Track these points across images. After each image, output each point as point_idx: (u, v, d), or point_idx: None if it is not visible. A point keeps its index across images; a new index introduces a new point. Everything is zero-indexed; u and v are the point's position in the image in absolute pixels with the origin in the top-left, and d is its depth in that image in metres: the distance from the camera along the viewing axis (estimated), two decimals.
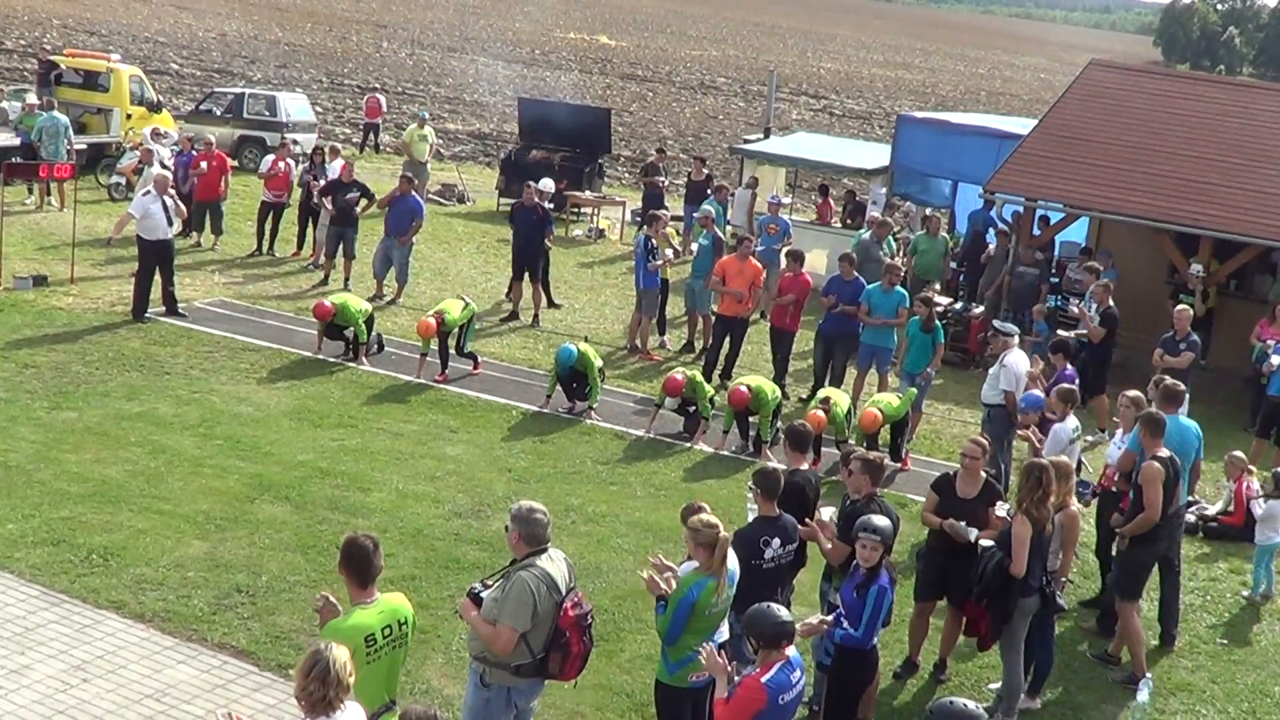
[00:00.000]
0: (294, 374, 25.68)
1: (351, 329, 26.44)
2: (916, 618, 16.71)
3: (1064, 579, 16.60)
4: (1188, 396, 20.32)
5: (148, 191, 28.77)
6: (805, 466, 15.95)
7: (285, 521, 18.94)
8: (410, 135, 40.00)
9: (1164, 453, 16.77)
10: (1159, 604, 18.50)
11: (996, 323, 24.05)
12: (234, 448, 21.56)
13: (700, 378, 23.84)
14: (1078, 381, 21.48)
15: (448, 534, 19.01)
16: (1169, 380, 18.64)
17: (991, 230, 34.70)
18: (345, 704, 9.38)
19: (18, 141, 39.06)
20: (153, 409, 22.96)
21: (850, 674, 13.78)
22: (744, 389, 22.94)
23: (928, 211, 35.93)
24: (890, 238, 32.48)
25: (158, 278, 28.16)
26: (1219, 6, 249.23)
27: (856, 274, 26.90)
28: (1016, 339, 22.58)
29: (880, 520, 13.74)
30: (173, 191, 28.91)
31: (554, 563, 11.75)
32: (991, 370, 22.12)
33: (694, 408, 24.00)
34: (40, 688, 14.61)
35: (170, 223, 28.16)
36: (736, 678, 11.35)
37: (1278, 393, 24.74)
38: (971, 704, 9.80)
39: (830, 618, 13.75)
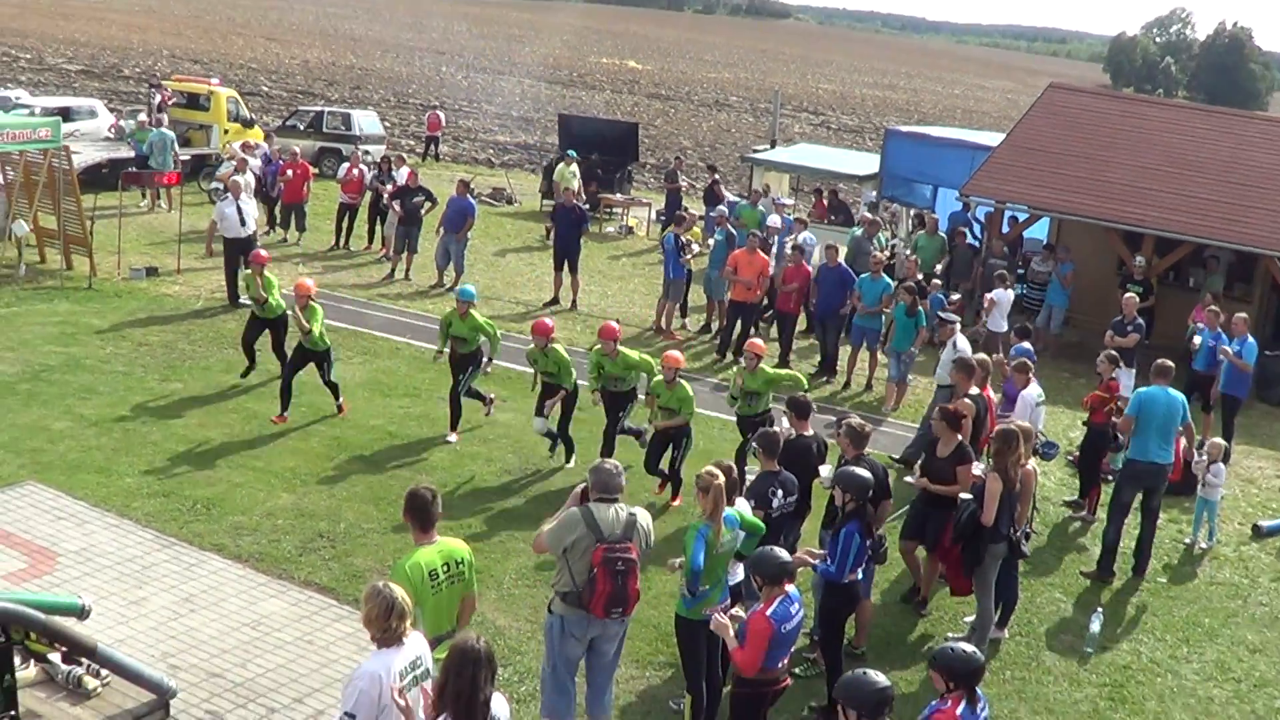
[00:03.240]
0: (367, 351, 25.78)
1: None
2: (905, 555, 16.87)
3: (1027, 529, 16.67)
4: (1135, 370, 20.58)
5: (225, 196, 28.96)
6: (810, 432, 16.05)
7: (360, 477, 19.06)
8: (560, 173, 39.69)
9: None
10: (1137, 541, 18.72)
11: (941, 312, 24.06)
12: (316, 414, 21.69)
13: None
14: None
15: (499, 488, 19.12)
16: (1161, 360, 18.86)
17: (977, 226, 34.77)
18: (410, 633, 9.49)
19: (132, 154, 39.27)
20: (247, 381, 23.10)
21: (832, 602, 13.96)
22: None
23: (924, 213, 35.93)
24: (879, 234, 32.51)
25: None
26: (1158, 39, 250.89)
27: (841, 262, 27.47)
28: (959, 325, 22.68)
29: (855, 473, 13.85)
30: (245, 196, 28.96)
31: (613, 511, 11.79)
32: (944, 355, 22.12)
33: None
34: (155, 616, 14.77)
35: (244, 222, 28.25)
36: (744, 615, 11.46)
37: (1200, 367, 24.94)
38: (970, 647, 9.93)
39: (818, 553, 13.95)
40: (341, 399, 22.14)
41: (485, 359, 21.70)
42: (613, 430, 20.33)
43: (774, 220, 32.47)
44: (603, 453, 19.55)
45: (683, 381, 19.06)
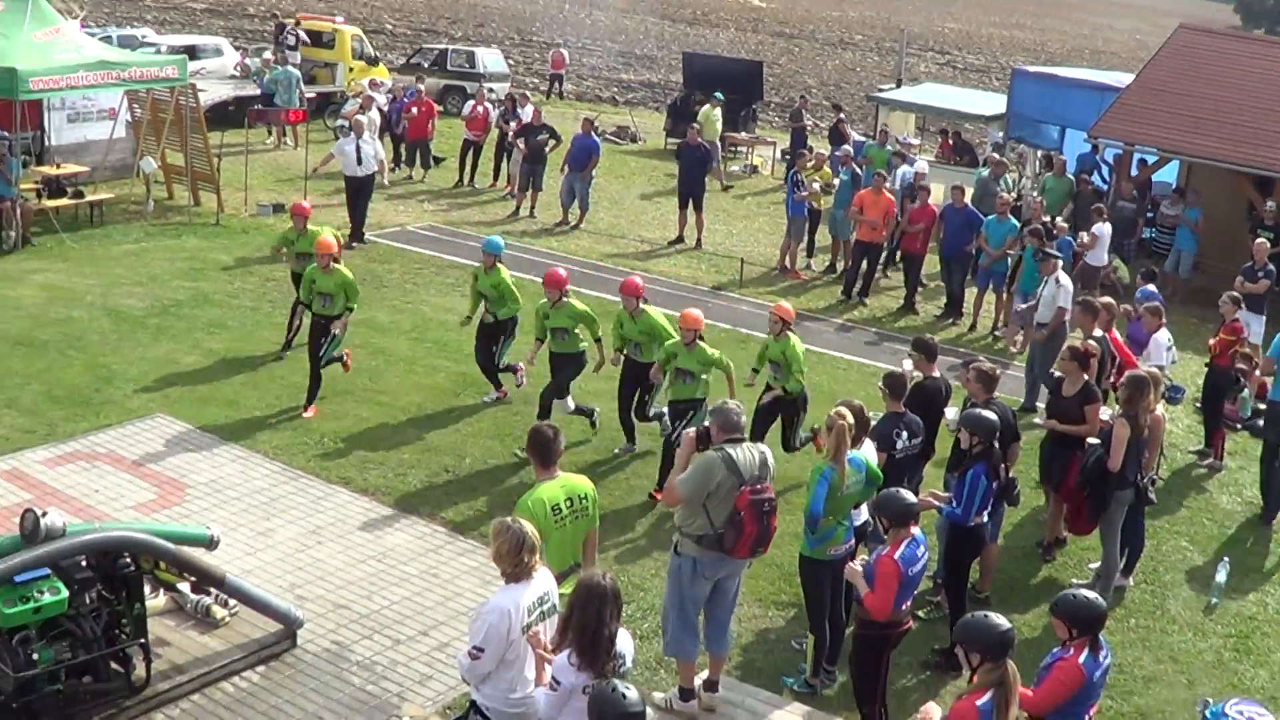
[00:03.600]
0: None
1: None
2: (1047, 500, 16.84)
3: (1154, 475, 16.47)
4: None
5: (347, 134, 29.14)
6: (936, 374, 15.92)
7: (485, 413, 19.18)
8: (705, 115, 39.41)
9: None
10: (1264, 486, 18.49)
11: (1043, 248, 23.61)
12: (441, 350, 21.83)
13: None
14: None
15: (616, 426, 19.12)
16: None
17: (1106, 169, 34.28)
18: (538, 569, 9.55)
19: (258, 91, 39.58)
20: (372, 316, 23.28)
21: (956, 546, 13.89)
22: None
23: (1052, 154, 35.45)
24: (1006, 176, 32.12)
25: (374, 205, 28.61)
26: None
27: (967, 203, 27.00)
28: (1060, 262, 22.30)
29: (982, 415, 13.71)
30: (367, 135, 29.04)
31: (744, 451, 11.73)
32: (1044, 291, 21.76)
33: None
34: (283, 548, 14.99)
35: (360, 161, 28.38)
36: (871, 559, 11.43)
37: None
38: (1093, 594, 9.86)
39: (944, 496, 13.88)
40: (312, 404, 19.22)
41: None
42: (627, 412, 18.52)
43: (922, 165, 32.10)
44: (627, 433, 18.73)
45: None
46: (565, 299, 18.21)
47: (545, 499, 10.86)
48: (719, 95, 40.64)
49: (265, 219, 29.87)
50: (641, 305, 18.02)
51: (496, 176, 35.73)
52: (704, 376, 17.06)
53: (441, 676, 12.79)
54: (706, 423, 12.27)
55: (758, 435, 16.72)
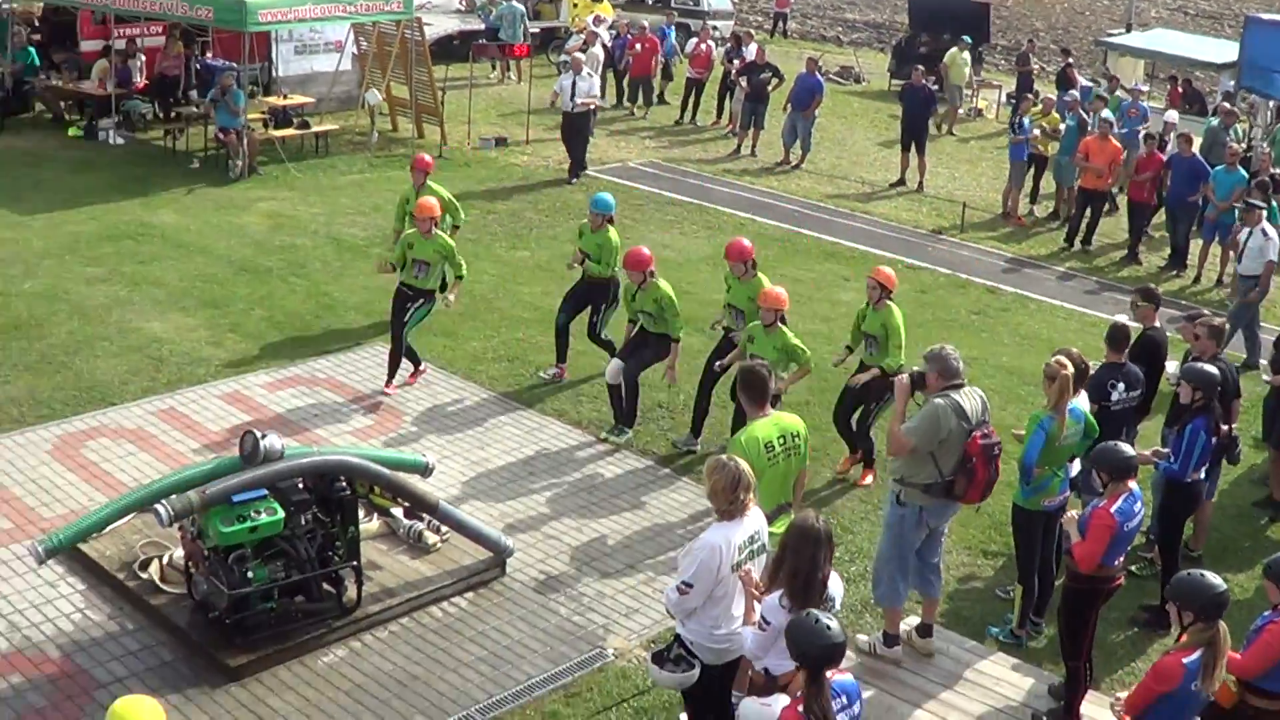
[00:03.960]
0: (710, 225, 25.79)
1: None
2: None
3: None
4: None
5: (567, 69, 29.15)
6: (1157, 324, 15.47)
7: (700, 350, 19.06)
8: (952, 59, 38.92)
9: None
10: None
11: (1248, 198, 22.66)
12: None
13: None
14: None
15: (838, 368, 18.92)
16: None
17: None
18: (750, 507, 9.48)
19: (483, 26, 39.84)
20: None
21: (1173, 502, 13.49)
22: None
23: None
24: (1236, 126, 31.16)
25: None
26: None
27: (1195, 153, 26.13)
28: (1265, 212, 21.44)
29: (1204, 369, 13.28)
30: (586, 71, 28.96)
31: (967, 396, 11.55)
32: (1252, 243, 20.93)
33: None
34: (495, 477, 15.13)
35: (573, 96, 28.35)
36: (1087, 511, 11.16)
37: None
38: None
39: (1163, 451, 13.50)
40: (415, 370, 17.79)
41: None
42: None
43: (1172, 116, 31.21)
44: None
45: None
46: (651, 279, 16.31)
47: (759, 436, 10.80)
48: (968, 39, 39.88)
49: (487, 152, 30.13)
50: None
51: (719, 114, 35.57)
52: (780, 371, 14.56)
53: (647, 610, 12.80)
54: (916, 368, 12.04)
55: (843, 422, 16.10)
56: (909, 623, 12.28)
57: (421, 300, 17.21)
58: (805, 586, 8.77)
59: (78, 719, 10.99)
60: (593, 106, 28.69)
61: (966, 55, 38.89)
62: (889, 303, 15.41)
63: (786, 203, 27.97)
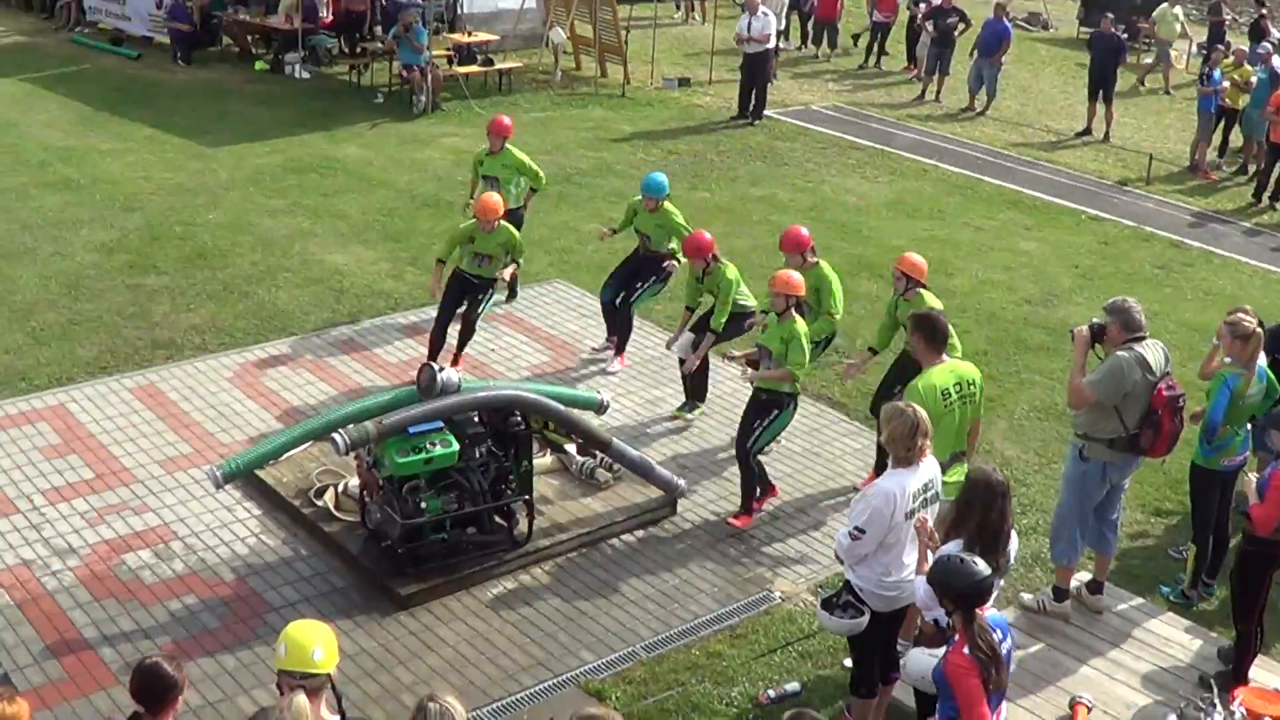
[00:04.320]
0: (893, 170, 25.51)
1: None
2: None
3: None
4: None
5: (744, 10, 28.86)
6: None
7: (879, 296, 18.90)
8: (1162, 15, 38.03)
9: None
10: None
11: None
12: (838, 230, 21.62)
13: None
14: None
15: (1017, 318, 18.69)
16: None
17: None
18: (926, 455, 9.38)
19: None
20: (772, 194, 23.25)
21: None
22: None
23: None
24: None
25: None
26: None
27: None
28: None
29: None
30: (762, 10, 28.54)
31: (1150, 349, 11.29)
32: None
33: None
34: (668, 423, 15.13)
35: (748, 36, 28.07)
36: (1267, 473, 10.88)
37: None
38: None
39: None
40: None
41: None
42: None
43: None
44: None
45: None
46: (716, 264, 15.14)
47: (936, 383, 10.68)
48: None
49: (670, 93, 30.07)
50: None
51: (911, 60, 35.09)
52: (792, 367, 12.83)
53: (816, 555, 12.75)
54: (1097, 320, 11.77)
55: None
56: (1079, 578, 12.10)
57: (490, 288, 16.04)
58: (994, 540, 8.78)
59: (249, 641, 11.20)
60: (769, 47, 28.41)
61: (1178, 10, 37.72)
62: (920, 291, 13.58)
63: (970, 149, 27.58)
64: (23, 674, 10.73)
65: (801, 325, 12.80)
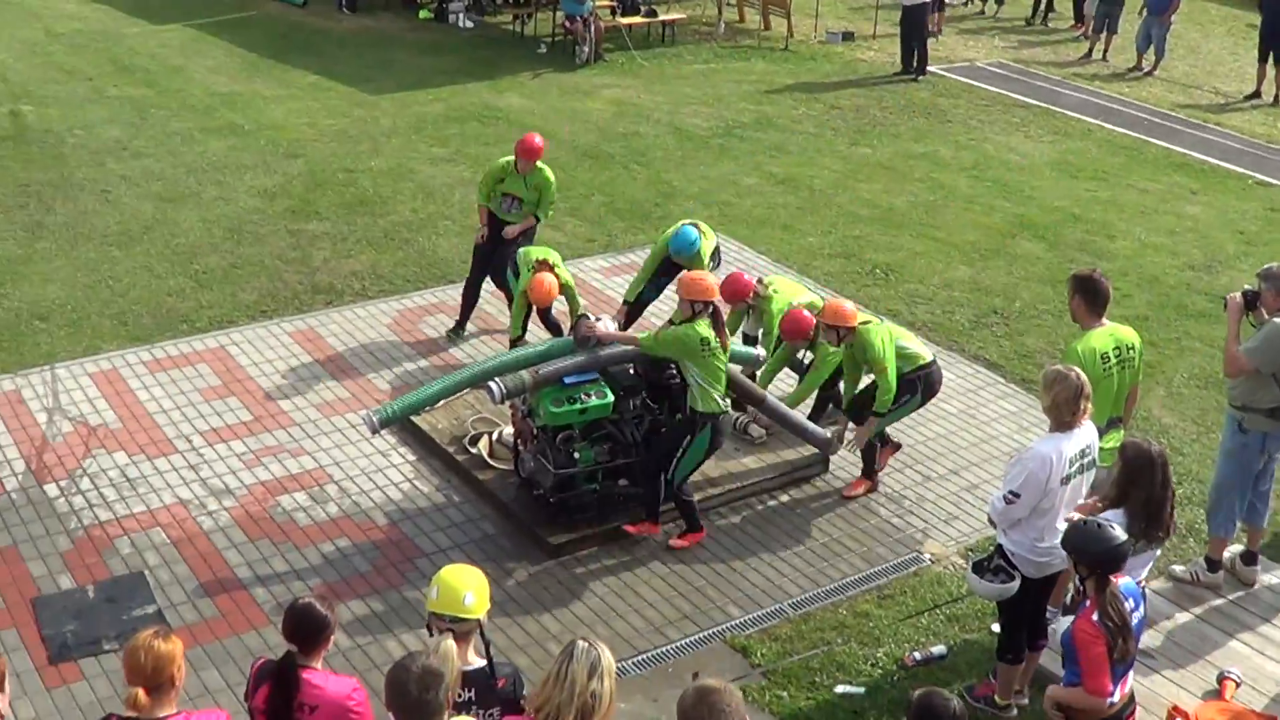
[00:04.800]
0: (1057, 130, 25.11)
1: None
2: None
3: None
4: None
5: None
6: None
7: (1039, 257, 18.70)
8: None
9: None
10: None
11: None
12: (1000, 190, 21.37)
13: None
14: None
15: (1180, 283, 18.35)
16: None
17: None
18: (1085, 419, 9.26)
19: None
20: (934, 151, 23.02)
21: None
22: None
23: None
24: None
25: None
26: None
27: None
28: None
29: None
30: None
31: None
32: None
33: None
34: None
35: None
36: None
37: None
38: None
39: None
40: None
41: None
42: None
43: None
44: None
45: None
46: (762, 297, 13.76)
47: (1096, 347, 10.50)
48: None
49: (834, 46, 29.86)
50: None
51: (1077, 18, 34.46)
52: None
53: (966, 517, 12.66)
54: (1250, 286, 11.52)
55: None
56: (1232, 550, 11.89)
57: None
58: (1158, 514, 8.80)
59: (399, 585, 11.37)
60: (926, 0, 27.96)
61: None
62: (862, 329, 12.37)
63: (1136, 110, 27.06)
64: (176, 611, 10.99)
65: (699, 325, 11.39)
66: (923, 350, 12.95)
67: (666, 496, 11.89)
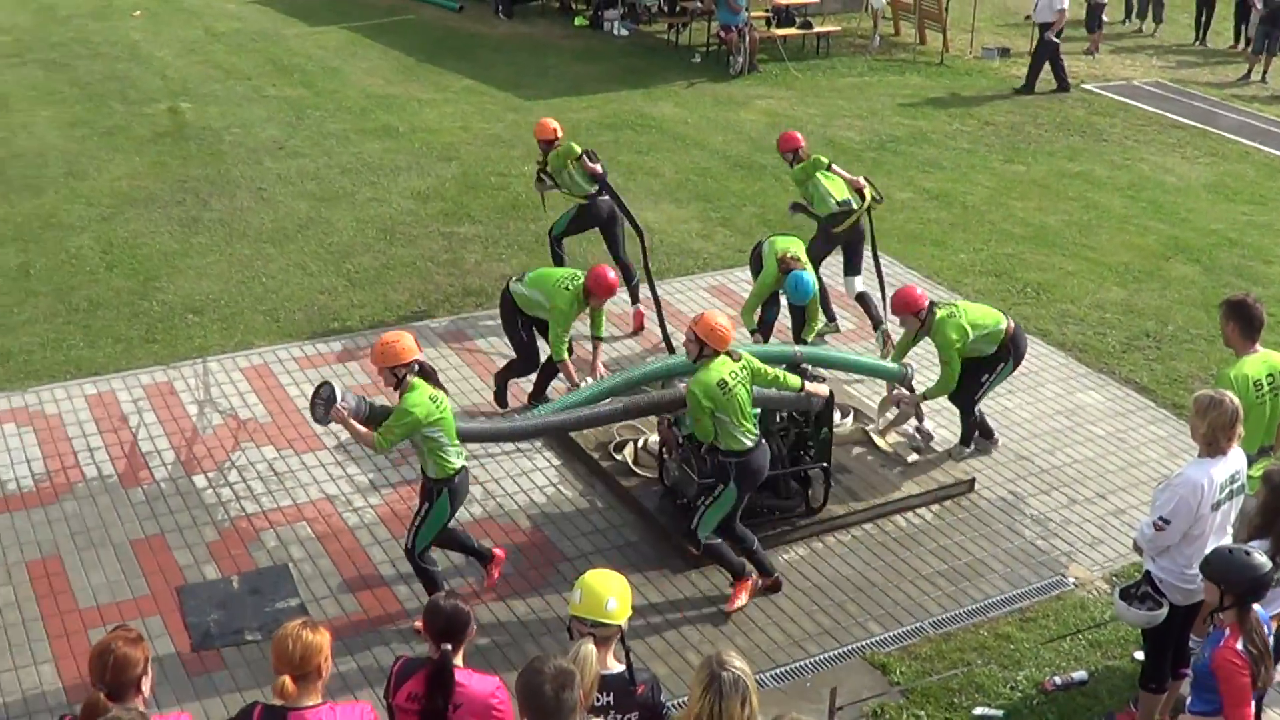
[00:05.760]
0: (1213, 151, 24.67)
1: None
2: None
3: None
4: None
5: None
6: None
7: (1193, 281, 18.42)
8: None
9: None
10: None
11: None
12: (1155, 211, 21.07)
13: None
14: None
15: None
16: None
17: None
18: (1235, 444, 9.12)
19: None
20: (1089, 170, 22.75)
21: None
22: None
23: None
24: None
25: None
26: None
27: None
28: None
29: None
30: None
31: None
32: None
33: None
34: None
35: (1035, 9, 27.42)
36: None
37: None
38: None
39: None
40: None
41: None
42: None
43: None
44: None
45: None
46: (932, 319, 13.08)
47: (1249, 374, 10.36)
48: None
49: (989, 62, 29.62)
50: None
51: (1236, 38, 33.94)
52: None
53: (1112, 542, 12.49)
54: None
55: None
56: None
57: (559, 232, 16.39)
58: None
59: (540, 587, 11.44)
60: (1049, 20, 27.45)
61: None
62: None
63: None
64: (319, 605, 11.14)
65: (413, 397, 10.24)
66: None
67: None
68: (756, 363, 11.14)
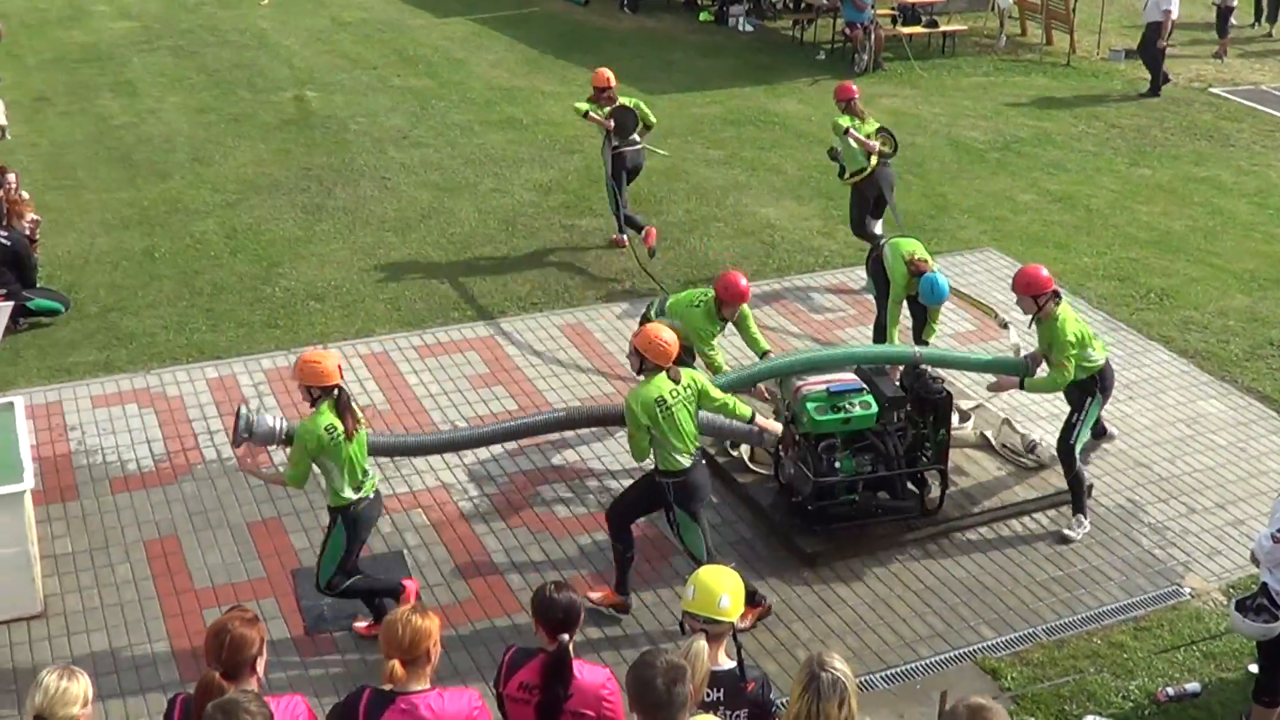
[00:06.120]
0: None
1: None
2: None
3: None
4: None
5: None
6: None
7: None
8: None
9: None
10: None
11: None
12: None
13: None
14: None
15: None
16: None
17: None
18: None
19: None
20: (1215, 175, 22.44)
21: None
22: None
23: None
24: None
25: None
26: None
27: None
28: None
29: None
30: None
31: None
32: None
33: None
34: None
35: (1144, 6, 27.06)
36: None
37: None
38: None
39: None
40: None
41: None
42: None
43: None
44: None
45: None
46: (1052, 308, 12.17)
47: None
48: None
49: (1116, 64, 29.27)
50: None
51: None
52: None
53: (1230, 553, 12.35)
54: None
55: None
56: None
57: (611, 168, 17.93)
58: None
59: (652, 582, 11.50)
60: (1157, 20, 26.99)
61: None
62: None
63: None
64: (431, 592, 11.27)
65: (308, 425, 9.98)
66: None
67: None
68: (708, 386, 10.79)
